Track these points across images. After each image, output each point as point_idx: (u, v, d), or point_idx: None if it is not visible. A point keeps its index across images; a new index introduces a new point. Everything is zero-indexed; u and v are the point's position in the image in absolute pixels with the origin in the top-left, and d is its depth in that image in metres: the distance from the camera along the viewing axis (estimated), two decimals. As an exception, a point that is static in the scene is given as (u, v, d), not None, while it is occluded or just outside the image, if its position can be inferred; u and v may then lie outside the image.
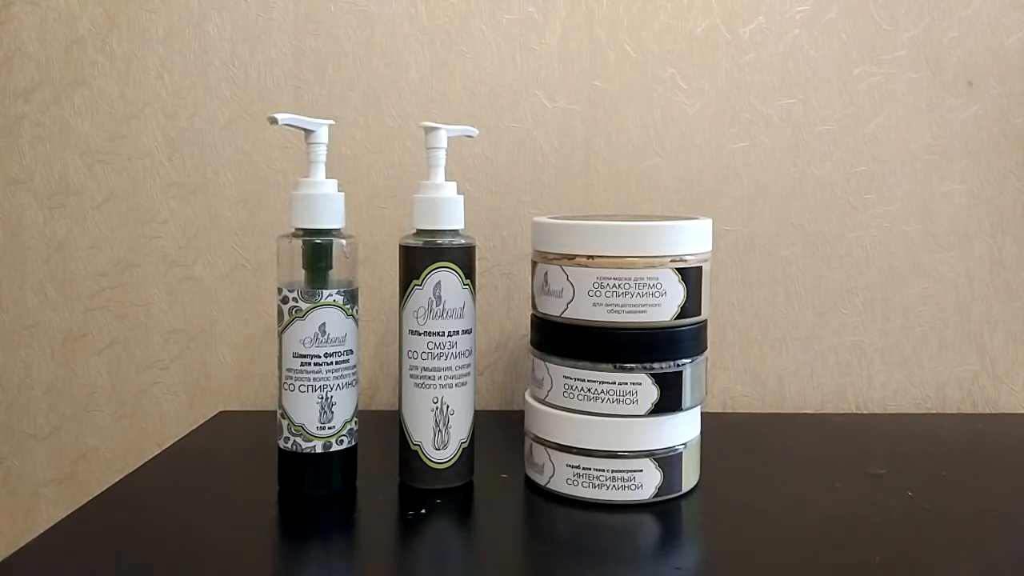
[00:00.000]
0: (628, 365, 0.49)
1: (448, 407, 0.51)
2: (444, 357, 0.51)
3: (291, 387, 0.50)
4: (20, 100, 0.69)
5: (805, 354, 0.71)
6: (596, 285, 0.48)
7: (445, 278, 0.51)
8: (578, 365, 0.50)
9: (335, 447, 0.50)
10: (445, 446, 0.51)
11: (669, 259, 0.49)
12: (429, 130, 0.52)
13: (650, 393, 0.49)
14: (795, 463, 0.57)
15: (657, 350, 0.49)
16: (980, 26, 0.69)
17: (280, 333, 0.50)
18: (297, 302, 0.49)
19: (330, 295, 0.50)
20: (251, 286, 0.70)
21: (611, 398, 0.49)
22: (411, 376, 0.51)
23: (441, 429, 0.51)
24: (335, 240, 0.50)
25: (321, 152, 0.51)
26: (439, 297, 0.50)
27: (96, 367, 0.70)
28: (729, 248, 0.70)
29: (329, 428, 0.50)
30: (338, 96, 0.69)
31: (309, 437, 0.50)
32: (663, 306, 0.49)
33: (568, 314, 0.50)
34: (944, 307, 0.71)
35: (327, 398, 0.50)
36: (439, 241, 0.51)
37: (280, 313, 0.50)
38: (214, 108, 0.69)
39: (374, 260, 0.69)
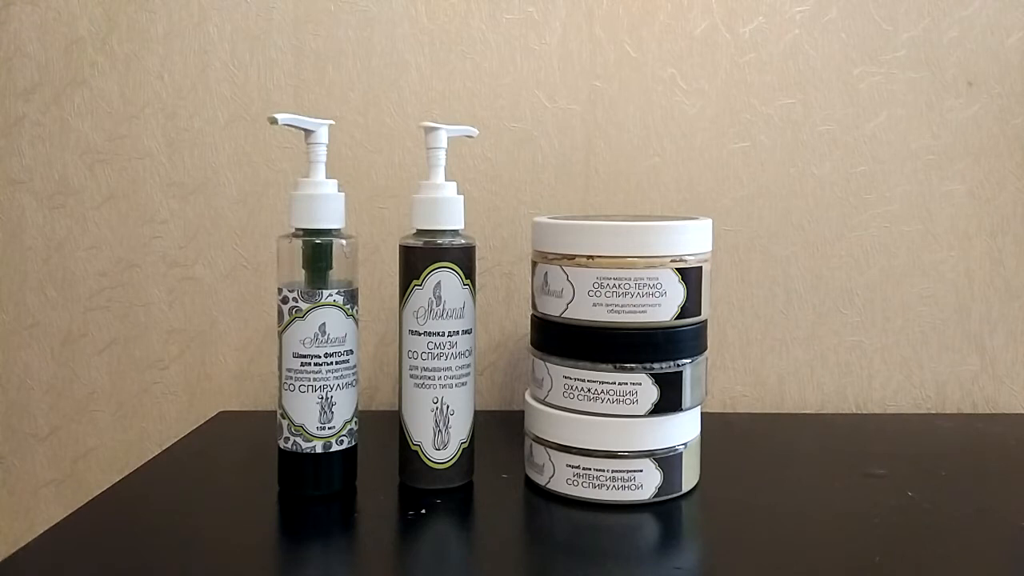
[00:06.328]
0: (628, 365, 0.49)
1: (448, 407, 0.51)
2: (444, 357, 0.51)
3: (291, 387, 0.50)
4: (20, 100, 0.69)
5: (805, 354, 0.71)
6: (596, 285, 0.48)
7: (445, 278, 0.51)
8: (578, 365, 0.50)
9: (335, 447, 0.50)
10: (445, 446, 0.51)
11: (669, 259, 0.49)
12: (429, 130, 0.52)
13: (650, 393, 0.49)
14: (795, 463, 0.57)
15: (657, 350, 0.49)
16: (980, 26, 0.69)
17: (280, 333, 0.50)
18: (297, 302, 0.49)
19: (330, 295, 0.50)
20: (251, 286, 0.70)
21: (611, 398, 0.49)
22: (411, 376, 0.51)
23: (441, 429, 0.51)
24: (335, 240, 0.50)
25: (321, 152, 0.51)
26: (439, 297, 0.50)
27: (96, 367, 0.70)
28: (729, 248, 0.70)
29: (329, 428, 0.50)
30: (338, 96, 0.69)
31: (309, 437, 0.50)
32: (663, 306, 0.49)
33: (568, 314, 0.50)
34: (944, 307, 0.71)
35: (327, 398, 0.50)
36: (439, 241, 0.51)
37: (280, 313, 0.50)
38: (214, 108, 0.69)
39: (374, 260, 0.69)
